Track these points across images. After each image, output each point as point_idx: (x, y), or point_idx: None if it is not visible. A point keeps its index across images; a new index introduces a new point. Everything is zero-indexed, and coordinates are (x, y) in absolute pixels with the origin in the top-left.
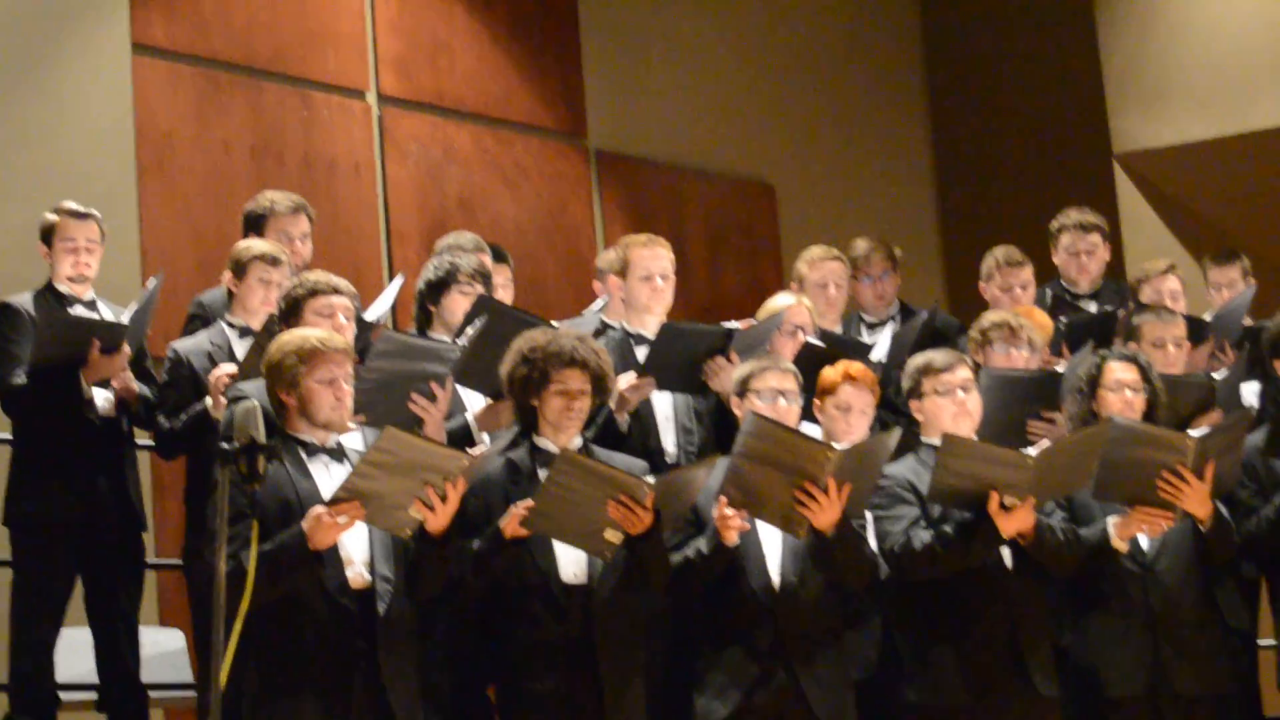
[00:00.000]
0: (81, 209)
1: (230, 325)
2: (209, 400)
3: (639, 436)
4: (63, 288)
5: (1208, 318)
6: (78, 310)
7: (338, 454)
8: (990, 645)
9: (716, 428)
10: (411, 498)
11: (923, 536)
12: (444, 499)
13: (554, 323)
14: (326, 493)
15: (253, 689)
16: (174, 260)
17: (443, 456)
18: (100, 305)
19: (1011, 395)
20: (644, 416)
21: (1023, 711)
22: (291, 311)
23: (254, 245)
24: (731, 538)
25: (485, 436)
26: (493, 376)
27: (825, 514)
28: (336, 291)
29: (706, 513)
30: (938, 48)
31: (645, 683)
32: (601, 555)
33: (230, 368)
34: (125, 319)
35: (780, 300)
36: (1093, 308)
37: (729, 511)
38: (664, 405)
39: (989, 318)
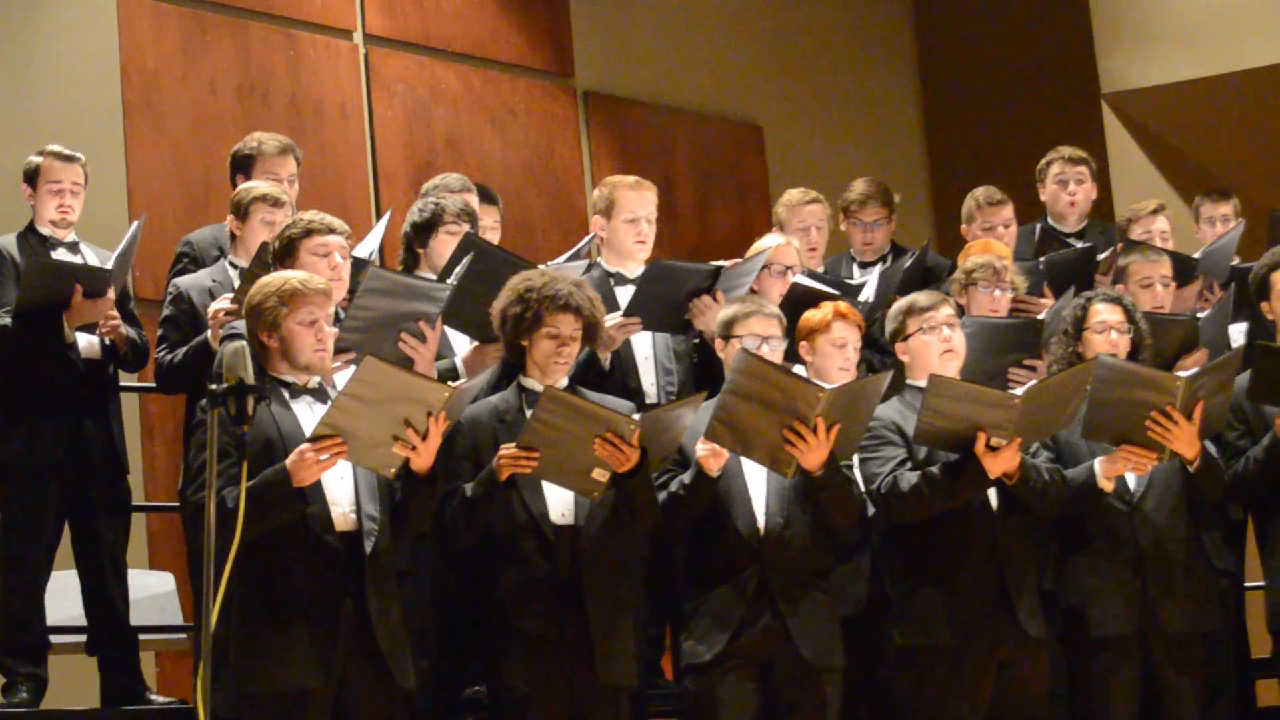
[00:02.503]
0: (67, 151)
1: (233, 265)
2: (209, 333)
3: (619, 376)
4: (45, 230)
5: (1197, 256)
6: (60, 253)
7: (320, 394)
8: (976, 586)
9: (698, 368)
10: (393, 433)
11: (909, 478)
12: (424, 436)
13: (542, 266)
14: (309, 432)
15: (239, 630)
16: (160, 200)
17: (424, 388)
18: (83, 248)
19: (993, 342)
20: (623, 356)
21: (1010, 652)
22: (286, 251)
23: (256, 187)
24: (712, 467)
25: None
26: (477, 317)
27: (813, 454)
28: (332, 231)
29: (691, 453)
30: None
31: (634, 622)
32: (589, 495)
33: (227, 300)
34: (110, 264)
35: (768, 240)
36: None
37: (712, 444)
38: (643, 346)
39: (973, 259)
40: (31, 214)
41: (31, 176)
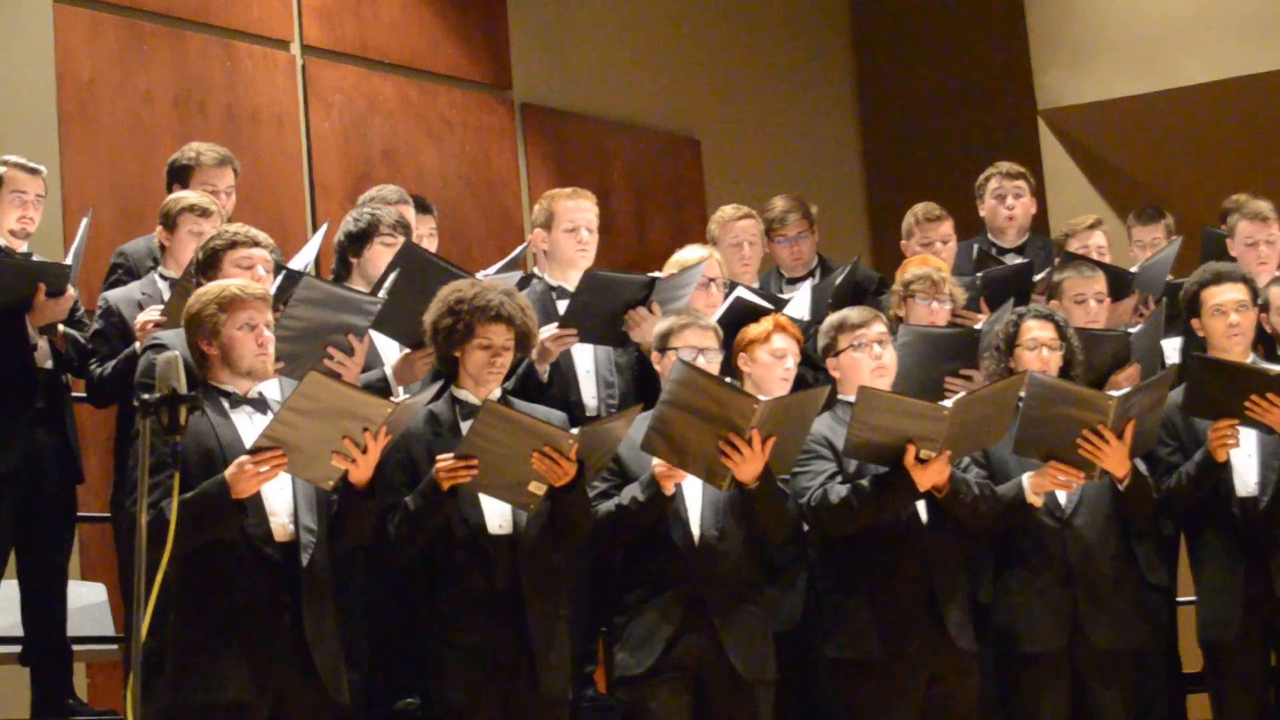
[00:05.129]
0: (32, 165)
1: (162, 277)
2: (137, 345)
3: (559, 389)
4: (0, 240)
5: (1134, 271)
6: None
7: (260, 404)
8: (906, 599)
9: (637, 380)
10: (333, 447)
11: (838, 490)
12: (364, 450)
13: (478, 274)
14: (249, 442)
15: (175, 640)
16: (95, 210)
17: (366, 404)
18: (34, 258)
19: (930, 352)
20: (564, 369)
21: (940, 664)
22: (210, 263)
23: (184, 197)
24: (669, 487)
25: (401, 389)
26: (410, 325)
27: (747, 466)
28: (256, 244)
29: (628, 463)
30: (863, 3)
31: (569, 633)
32: (526, 507)
33: (155, 313)
34: (69, 260)
35: (691, 252)
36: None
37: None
38: (584, 358)
39: (912, 271)
40: None
41: None
